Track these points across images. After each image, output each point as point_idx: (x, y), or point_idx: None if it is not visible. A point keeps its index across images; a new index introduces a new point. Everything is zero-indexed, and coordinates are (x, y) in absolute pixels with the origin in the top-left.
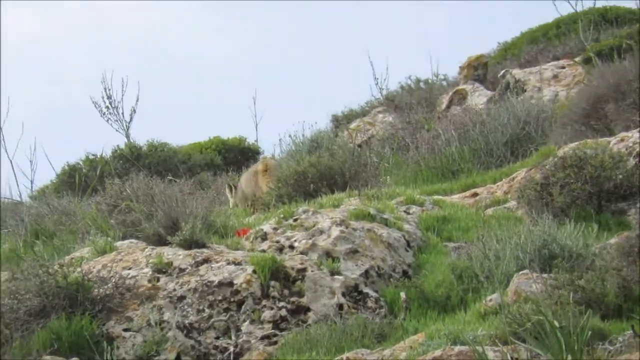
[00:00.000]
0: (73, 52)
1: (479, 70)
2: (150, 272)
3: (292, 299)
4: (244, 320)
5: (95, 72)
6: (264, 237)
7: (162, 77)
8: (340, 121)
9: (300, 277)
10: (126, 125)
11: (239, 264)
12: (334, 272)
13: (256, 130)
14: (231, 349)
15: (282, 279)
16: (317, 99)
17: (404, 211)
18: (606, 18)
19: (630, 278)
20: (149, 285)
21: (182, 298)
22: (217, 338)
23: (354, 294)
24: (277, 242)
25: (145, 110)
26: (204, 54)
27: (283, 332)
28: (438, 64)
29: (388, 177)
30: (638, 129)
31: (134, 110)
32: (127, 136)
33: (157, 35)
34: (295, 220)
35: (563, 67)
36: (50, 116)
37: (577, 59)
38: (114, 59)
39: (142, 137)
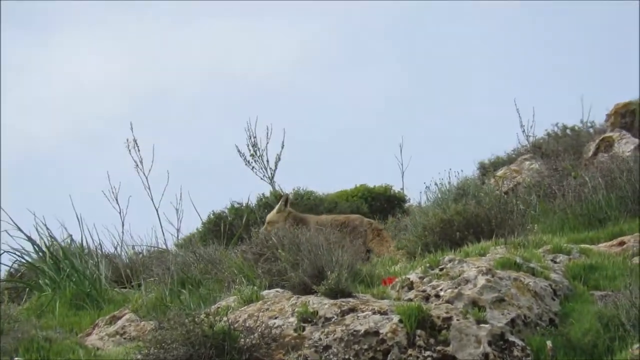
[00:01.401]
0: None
1: (627, 117)
2: (296, 322)
3: (438, 347)
4: None
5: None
6: (410, 286)
7: (306, 124)
8: (487, 168)
9: (446, 326)
10: (271, 174)
11: (384, 313)
12: (480, 321)
13: (402, 178)
14: None
15: (428, 328)
16: (462, 146)
17: (551, 260)
18: None
19: None
20: (295, 334)
21: (327, 347)
22: None
23: (500, 342)
24: (423, 291)
25: (291, 157)
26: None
27: None
28: (590, 110)
29: (535, 225)
30: None
31: (279, 158)
32: (272, 184)
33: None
34: (441, 269)
35: None
36: (195, 164)
37: None
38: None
39: (287, 185)
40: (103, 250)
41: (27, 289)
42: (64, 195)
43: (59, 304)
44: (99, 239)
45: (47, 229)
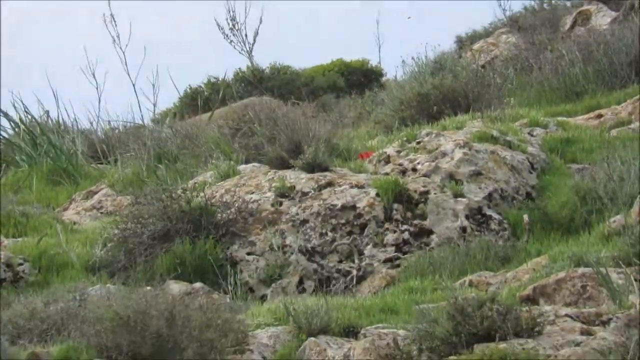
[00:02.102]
0: None
1: None
2: (273, 196)
3: (415, 221)
4: (367, 244)
5: None
6: (387, 160)
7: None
8: (464, 42)
9: (423, 199)
10: (249, 48)
11: (361, 187)
12: (457, 195)
13: (379, 52)
14: (354, 272)
15: (405, 202)
16: (439, 20)
17: (528, 133)
18: None
19: None
20: (272, 209)
21: (304, 222)
22: (340, 262)
23: (477, 216)
24: (400, 165)
25: (268, 32)
26: None
27: (406, 255)
28: None
29: (511, 98)
30: None
31: (257, 32)
32: (250, 59)
33: None
34: (418, 142)
35: None
36: (172, 38)
37: None
38: None
39: (264, 60)
40: (79, 126)
41: (4, 164)
42: (38, 71)
43: (36, 179)
44: (75, 115)
45: (23, 104)
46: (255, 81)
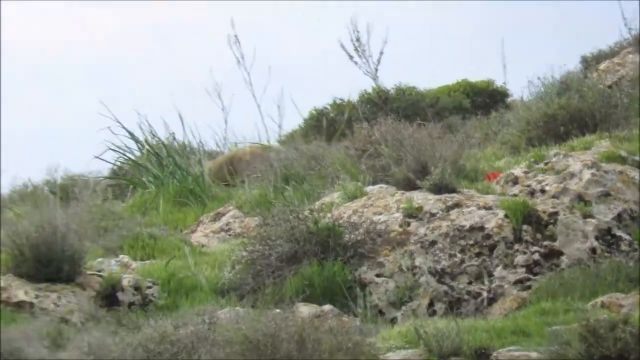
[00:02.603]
0: None
1: None
2: (401, 217)
3: (545, 243)
4: (497, 265)
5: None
6: (515, 181)
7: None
8: (589, 62)
9: (552, 221)
10: (374, 69)
11: (489, 208)
12: (586, 216)
13: (504, 72)
14: (484, 294)
15: (534, 223)
16: (565, 39)
17: None
18: None
19: None
20: (400, 230)
21: (433, 243)
22: (470, 283)
23: (606, 237)
24: (528, 186)
25: (392, 51)
26: None
27: (536, 277)
28: None
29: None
30: None
31: (382, 53)
32: (375, 80)
33: None
34: (546, 163)
35: None
36: (298, 61)
37: None
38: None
39: (389, 80)
40: (205, 147)
41: (131, 186)
42: (164, 93)
43: (163, 201)
44: (201, 136)
45: (150, 126)
46: (380, 102)
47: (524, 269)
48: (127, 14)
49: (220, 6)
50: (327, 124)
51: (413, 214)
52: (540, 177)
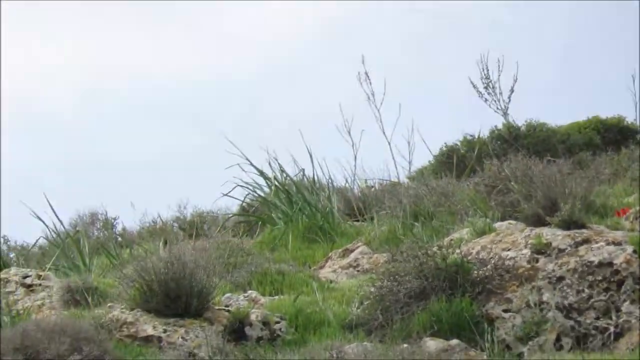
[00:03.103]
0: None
1: None
2: (529, 253)
3: None
4: (624, 300)
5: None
6: None
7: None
8: None
9: None
10: (504, 106)
11: (618, 244)
12: None
13: (636, 109)
14: (611, 329)
15: None
16: None
17: None
18: None
19: None
20: (528, 266)
21: (561, 279)
22: (597, 318)
23: None
24: None
25: (522, 89)
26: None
27: None
28: None
29: None
30: None
31: (512, 90)
32: (505, 116)
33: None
34: None
35: None
36: (424, 96)
37: None
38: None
39: (519, 117)
40: (335, 184)
41: (260, 222)
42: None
43: (292, 237)
44: (330, 173)
45: (279, 163)
46: (510, 139)
47: None
48: (250, 50)
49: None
50: (457, 160)
51: (541, 249)
52: None
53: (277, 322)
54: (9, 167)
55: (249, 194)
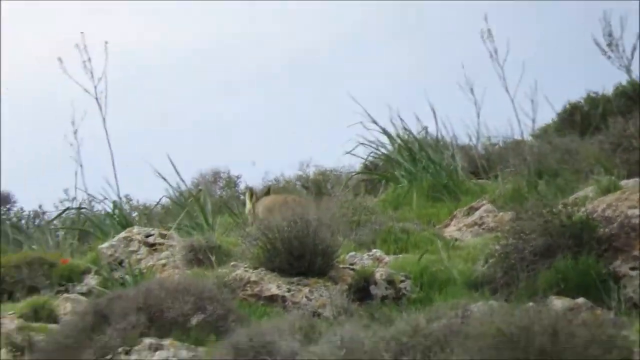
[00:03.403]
0: None
1: None
2: None
3: None
4: None
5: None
6: None
7: None
8: None
9: None
10: (628, 63)
11: None
12: None
13: None
14: None
15: None
16: None
17: None
18: None
19: None
20: None
21: None
22: None
23: None
24: None
25: None
26: None
27: None
28: None
29: None
30: None
31: (635, 48)
32: (629, 73)
33: None
34: None
35: None
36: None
37: None
38: None
39: None
40: (458, 142)
41: (383, 180)
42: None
43: (416, 195)
44: (454, 131)
45: (402, 121)
46: (635, 96)
47: None
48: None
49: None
50: (581, 118)
51: None
52: None
53: (402, 281)
54: (131, 126)
55: (372, 152)
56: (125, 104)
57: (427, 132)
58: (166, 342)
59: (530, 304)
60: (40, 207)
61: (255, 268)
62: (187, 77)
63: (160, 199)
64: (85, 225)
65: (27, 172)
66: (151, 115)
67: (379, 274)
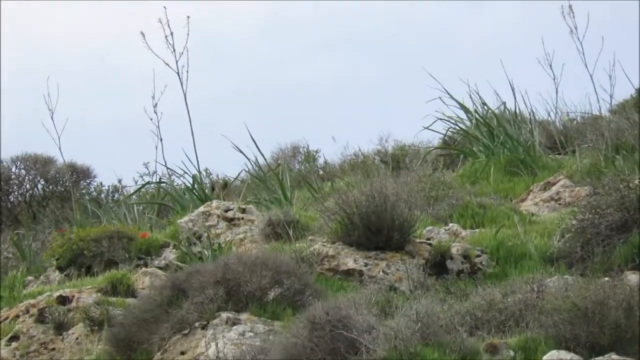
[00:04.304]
0: None
1: None
2: None
3: None
4: None
5: None
6: None
7: None
8: None
9: None
10: None
11: None
12: None
13: None
14: None
15: None
16: None
17: None
18: None
19: None
20: None
21: None
22: None
23: None
24: None
25: None
26: None
27: None
28: None
29: None
30: None
31: None
32: None
33: None
34: None
35: None
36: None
37: None
38: None
39: None
40: (536, 117)
41: (461, 155)
42: (493, 62)
43: (493, 170)
44: (532, 106)
45: (480, 96)
46: None
47: None
48: None
49: None
50: None
51: None
52: None
53: (478, 256)
54: (207, 100)
55: (449, 127)
56: (205, 77)
57: (505, 107)
58: (243, 316)
59: (606, 278)
60: (119, 181)
61: (333, 242)
62: (267, 47)
63: (239, 173)
64: (164, 200)
65: (106, 146)
66: (230, 88)
67: (455, 248)
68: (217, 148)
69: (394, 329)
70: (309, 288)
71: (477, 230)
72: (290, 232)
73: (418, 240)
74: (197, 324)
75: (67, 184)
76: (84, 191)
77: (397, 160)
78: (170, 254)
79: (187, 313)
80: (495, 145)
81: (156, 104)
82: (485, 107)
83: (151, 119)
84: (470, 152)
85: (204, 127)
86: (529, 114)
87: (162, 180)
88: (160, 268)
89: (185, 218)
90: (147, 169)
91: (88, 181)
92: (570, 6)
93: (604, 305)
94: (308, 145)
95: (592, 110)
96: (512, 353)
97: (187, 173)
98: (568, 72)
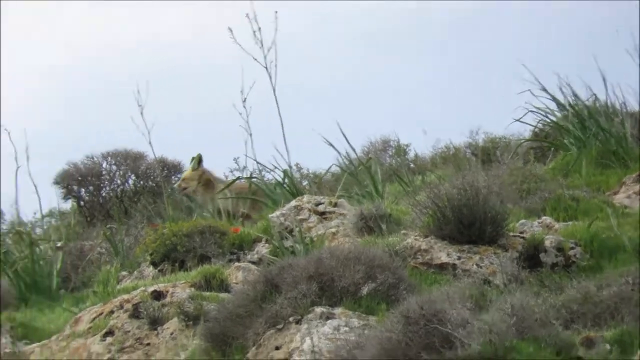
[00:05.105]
0: None
1: None
2: None
3: None
4: None
5: None
6: None
7: None
8: None
9: None
10: None
11: None
12: None
13: None
14: None
15: None
16: None
17: None
18: None
19: None
20: None
21: None
22: None
23: None
24: None
25: None
26: None
27: None
28: None
29: None
30: None
31: None
32: None
33: None
34: None
35: None
36: None
37: None
38: None
39: None
40: (628, 109)
41: (552, 148)
42: (584, 54)
43: (585, 162)
44: (624, 97)
45: (571, 88)
46: None
47: None
48: None
49: None
50: None
51: None
52: None
53: (572, 248)
54: (300, 94)
55: (540, 119)
56: (294, 71)
57: (596, 99)
58: (337, 310)
59: None
60: None
61: (426, 236)
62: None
63: (330, 167)
64: (255, 194)
65: (197, 142)
66: (320, 83)
67: (549, 241)
68: (307, 142)
69: (488, 323)
70: (403, 282)
71: (570, 223)
72: (383, 226)
73: (511, 233)
74: (291, 319)
75: (157, 179)
76: (175, 186)
77: (487, 153)
78: (262, 249)
79: (280, 308)
80: (587, 137)
81: (245, 98)
82: (577, 99)
83: (240, 114)
84: (561, 145)
85: (294, 121)
86: (620, 106)
87: (253, 175)
88: (253, 263)
89: (277, 212)
90: (237, 164)
91: (179, 176)
92: None
93: None
94: (399, 139)
95: None
96: (608, 347)
97: (277, 168)
98: None
